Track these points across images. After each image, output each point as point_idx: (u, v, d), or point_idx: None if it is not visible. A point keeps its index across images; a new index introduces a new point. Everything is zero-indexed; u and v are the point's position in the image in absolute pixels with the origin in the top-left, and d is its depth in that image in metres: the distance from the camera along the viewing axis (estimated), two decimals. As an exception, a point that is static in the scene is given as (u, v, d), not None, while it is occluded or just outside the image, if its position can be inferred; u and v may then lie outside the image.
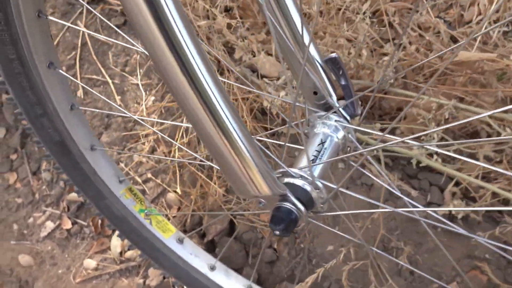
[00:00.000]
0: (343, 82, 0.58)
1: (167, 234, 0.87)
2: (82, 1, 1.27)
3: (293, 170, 0.55)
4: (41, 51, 0.65)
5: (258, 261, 1.02)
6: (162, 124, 1.18)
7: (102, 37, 1.28)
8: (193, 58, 0.40)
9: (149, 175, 1.15)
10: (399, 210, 0.58)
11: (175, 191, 1.11)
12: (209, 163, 0.94)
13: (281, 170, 0.56)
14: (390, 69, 1.00)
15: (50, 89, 0.69)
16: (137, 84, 1.27)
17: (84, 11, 1.30)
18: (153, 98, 1.26)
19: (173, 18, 0.38)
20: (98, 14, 0.89)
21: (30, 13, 0.60)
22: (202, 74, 0.41)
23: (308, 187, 0.54)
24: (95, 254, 1.11)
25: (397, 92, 0.99)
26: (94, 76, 1.27)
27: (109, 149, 1.16)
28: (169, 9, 0.38)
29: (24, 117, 0.71)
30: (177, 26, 0.39)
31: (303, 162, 0.57)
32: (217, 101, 0.43)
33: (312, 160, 0.57)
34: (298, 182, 0.54)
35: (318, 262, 1.00)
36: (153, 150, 1.18)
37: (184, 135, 1.12)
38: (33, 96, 0.68)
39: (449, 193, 0.98)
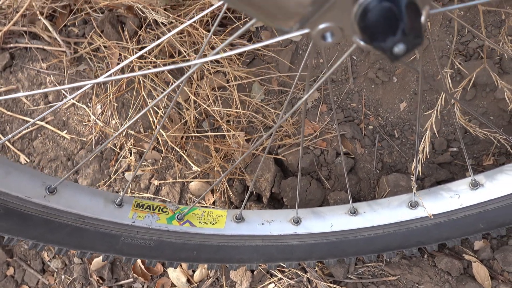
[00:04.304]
0: None
1: (219, 223, 0.63)
2: None
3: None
4: None
5: (332, 180, 0.77)
6: (129, 118, 0.91)
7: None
8: None
9: (156, 182, 0.89)
10: None
11: (194, 178, 0.86)
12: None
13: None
14: None
15: None
16: (73, 104, 0.99)
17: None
18: (98, 105, 0.98)
19: None
20: None
21: None
22: None
23: None
24: (165, 301, 0.88)
25: None
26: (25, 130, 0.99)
27: (86, 183, 0.90)
28: None
29: None
30: None
31: None
32: None
33: None
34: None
35: (402, 130, 0.75)
36: (140, 155, 0.92)
37: (162, 112, 0.86)
38: None
39: None
